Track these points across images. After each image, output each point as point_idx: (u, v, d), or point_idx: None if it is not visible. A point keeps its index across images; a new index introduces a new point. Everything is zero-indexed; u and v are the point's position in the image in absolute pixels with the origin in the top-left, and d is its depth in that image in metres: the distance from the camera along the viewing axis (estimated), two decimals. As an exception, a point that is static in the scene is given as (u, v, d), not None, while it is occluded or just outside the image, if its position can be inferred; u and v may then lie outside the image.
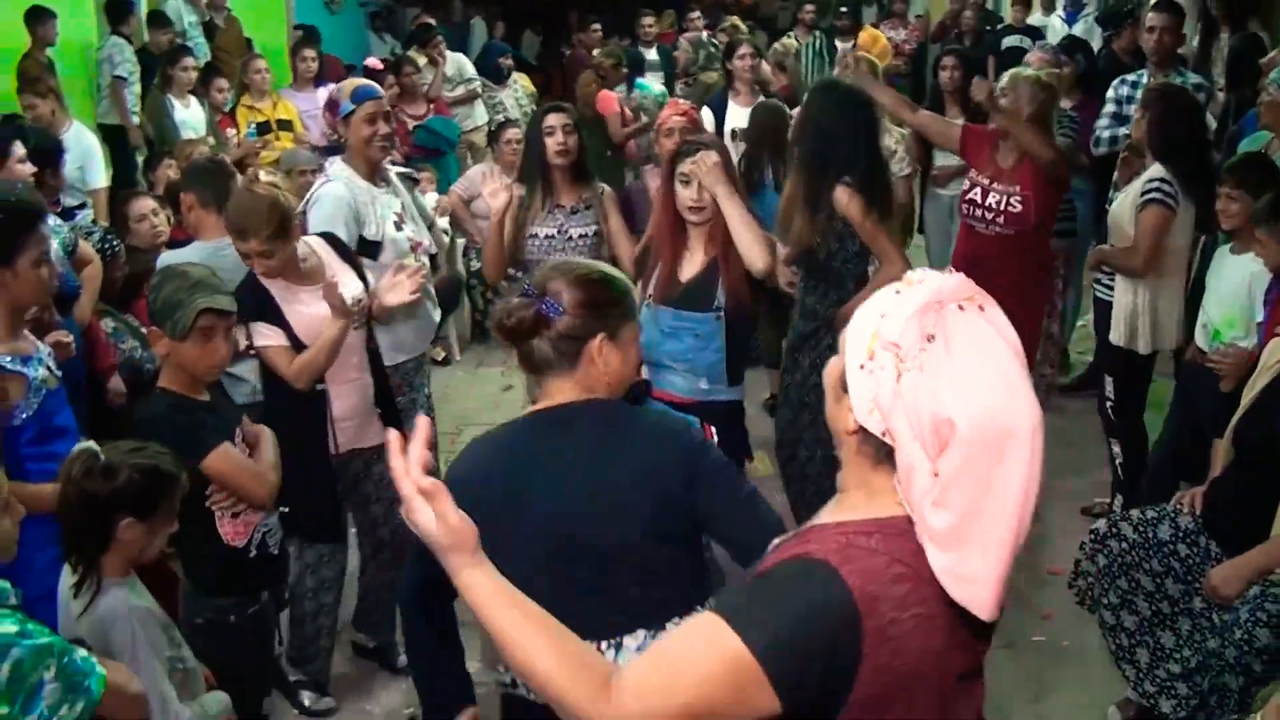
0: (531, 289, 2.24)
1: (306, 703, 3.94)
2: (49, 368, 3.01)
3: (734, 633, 1.47)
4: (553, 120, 4.41)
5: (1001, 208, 4.77)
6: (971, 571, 1.45)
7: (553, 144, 4.37)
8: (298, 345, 3.56)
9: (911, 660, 1.51)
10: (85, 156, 6.04)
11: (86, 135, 6.26)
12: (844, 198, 4.08)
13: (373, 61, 4.81)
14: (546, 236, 4.39)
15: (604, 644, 2.21)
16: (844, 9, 12.22)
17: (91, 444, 2.58)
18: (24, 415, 2.89)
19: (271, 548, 3.11)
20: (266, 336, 3.53)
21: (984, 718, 1.74)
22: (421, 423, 1.60)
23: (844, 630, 1.47)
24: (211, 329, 2.94)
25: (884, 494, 1.54)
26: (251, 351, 3.60)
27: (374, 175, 4.20)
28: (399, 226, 4.19)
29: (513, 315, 2.23)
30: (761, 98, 6.54)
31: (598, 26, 11.02)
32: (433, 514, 1.56)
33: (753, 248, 3.63)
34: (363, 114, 4.10)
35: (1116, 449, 4.88)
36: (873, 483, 1.57)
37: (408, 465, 1.56)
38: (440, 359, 7.17)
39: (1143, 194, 4.47)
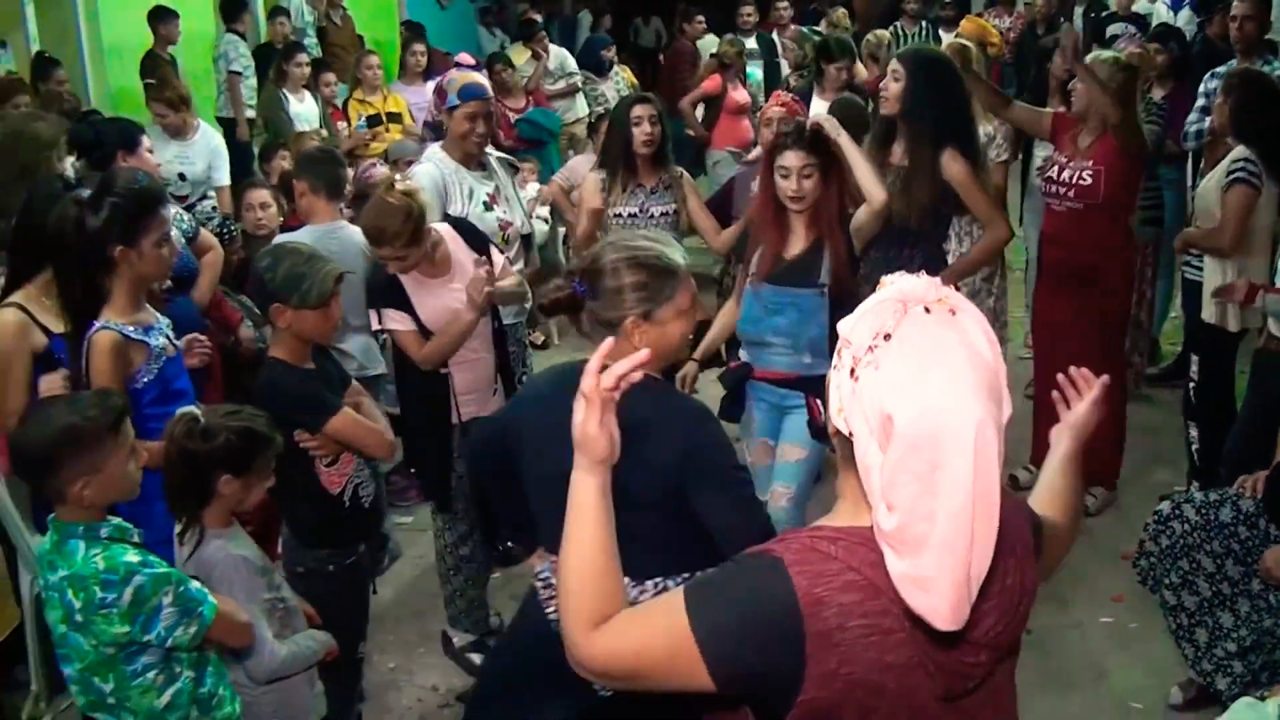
0: (574, 270, 2.50)
1: (476, 661, 4.18)
2: (168, 337, 3.30)
3: (685, 609, 1.57)
4: (640, 111, 4.68)
5: (1073, 181, 4.82)
6: (927, 577, 1.43)
7: (640, 134, 4.65)
8: (424, 331, 3.82)
9: (863, 671, 1.52)
10: (213, 156, 6.23)
11: (214, 137, 6.52)
12: (954, 163, 4.33)
13: (464, 57, 5.10)
14: (630, 215, 4.70)
15: None
16: (949, -1, 12.16)
17: (192, 408, 2.83)
18: (145, 379, 3.18)
19: (364, 499, 3.34)
20: (396, 322, 3.80)
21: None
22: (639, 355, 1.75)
23: (785, 627, 1.51)
24: (333, 295, 3.21)
25: (864, 501, 1.54)
26: (383, 335, 3.89)
27: (469, 161, 4.45)
28: (489, 207, 4.43)
29: (547, 296, 2.51)
30: (846, 92, 6.65)
31: (702, 18, 11.13)
32: (587, 413, 1.69)
33: (872, 181, 3.90)
34: (465, 111, 4.37)
35: (1194, 433, 4.92)
36: (855, 487, 1.57)
37: (601, 372, 1.70)
38: (540, 343, 7.42)
39: (1228, 174, 4.57)
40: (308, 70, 8.11)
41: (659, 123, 4.68)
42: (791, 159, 3.79)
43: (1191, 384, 4.90)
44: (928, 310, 1.50)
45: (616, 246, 2.50)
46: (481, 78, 4.66)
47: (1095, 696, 3.97)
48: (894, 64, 4.50)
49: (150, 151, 4.61)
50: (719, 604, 1.57)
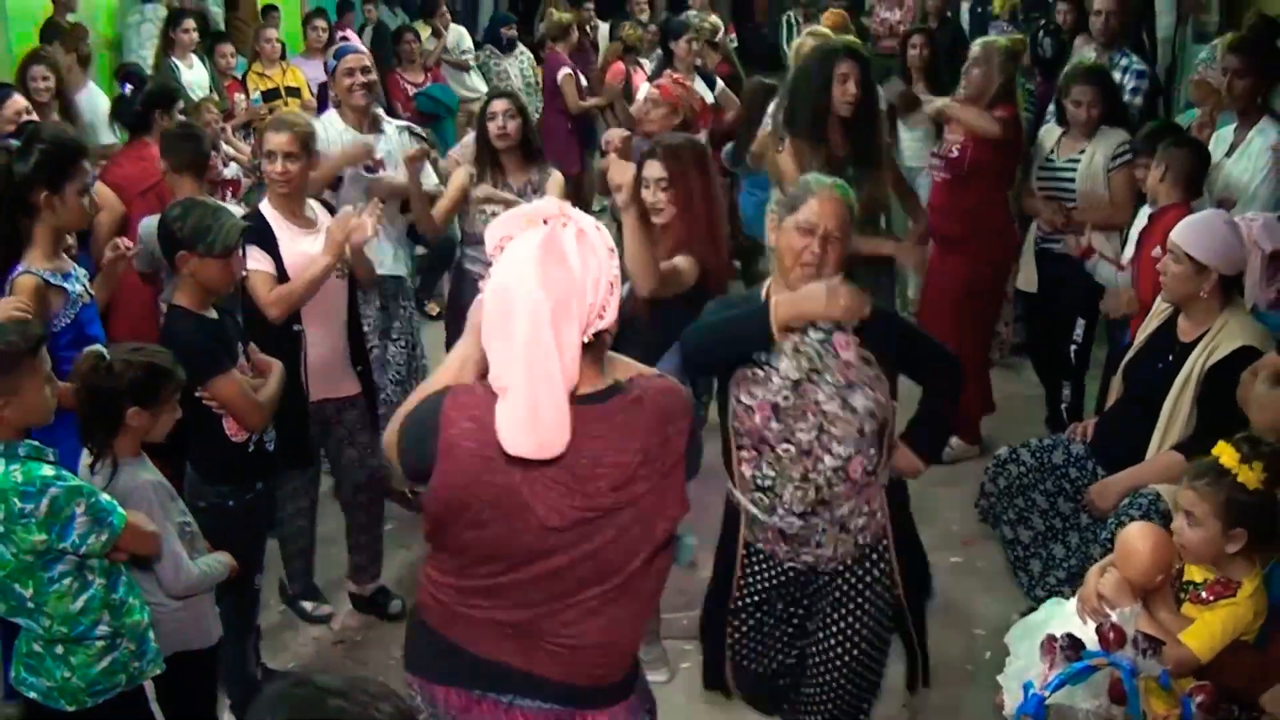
0: None
1: (309, 609, 4.41)
2: (84, 285, 3.52)
3: (401, 415, 2.17)
4: (496, 106, 4.77)
5: (942, 153, 5.26)
6: (505, 413, 1.92)
7: (493, 128, 4.72)
8: (282, 279, 3.90)
9: (467, 480, 2.03)
10: (94, 115, 6.45)
11: (99, 97, 6.69)
12: (888, 163, 4.82)
13: (350, 34, 5.49)
14: (493, 213, 4.60)
15: None
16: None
17: (98, 347, 3.02)
18: (63, 322, 3.39)
19: (267, 444, 3.55)
20: (258, 261, 3.86)
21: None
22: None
23: (427, 433, 2.06)
24: (236, 246, 3.40)
25: None
26: (242, 273, 3.86)
27: (362, 123, 4.67)
28: (370, 170, 4.62)
29: None
30: (698, 78, 6.85)
31: (590, 4, 11.18)
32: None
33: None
34: (343, 68, 4.68)
35: (1067, 392, 5.37)
36: None
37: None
38: (435, 314, 7.59)
39: (1115, 158, 5.01)
40: (195, 36, 8.05)
41: (516, 117, 4.74)
42: (650, 169, 3.77)
43: (1074, 346, 5.32)
44: (545, 222, 1.97)
45: None
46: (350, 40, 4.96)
47: (941, 624, 4.28)
48: (856, 67, 4.56)
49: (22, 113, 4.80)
50: (413, 410, 2.16)
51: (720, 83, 7.07)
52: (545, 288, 1.91)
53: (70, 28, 7.53)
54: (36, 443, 2.67)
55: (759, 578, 3.23)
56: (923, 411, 3.24)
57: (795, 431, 2.95)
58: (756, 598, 3.25)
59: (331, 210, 4.24)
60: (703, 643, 3.51)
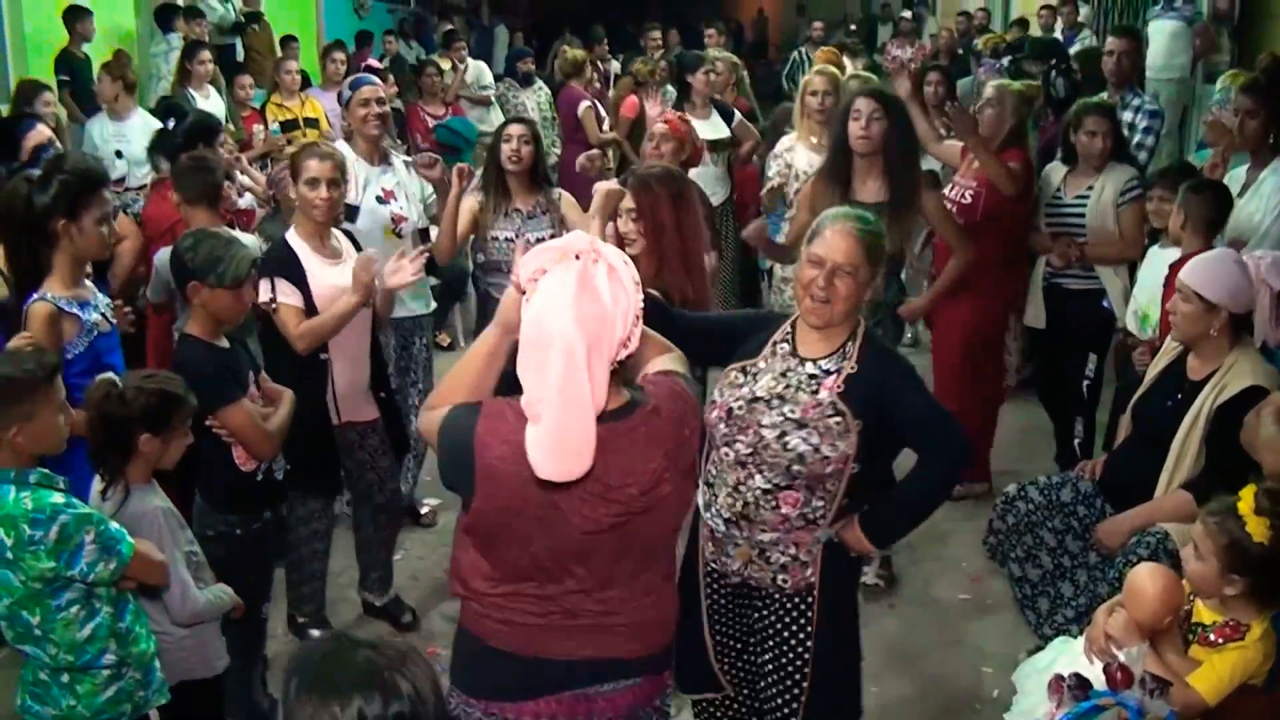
0: None
1: (315, 636, 4.37)
2: (103, 314, 3.55)
3: (435, 416, 2.30)
4: (511, 130, 4.86)
5: (956, 198, 5.23)
6: (535, 440, 2.04)
7: (506, 150, 4.80)
8: (310, 311, 3.94)
9: (507, 498, 2.18)
10: (149, 140, 6.56)
11: (152, 122, 6.78)
12: (930, 197, 4.69)
13: (372, 62, 5.53)
14: (506, 239, 4.81)
15: None
16: (853, 27, 12.70)
17: (110, 375, 3.05)
18: (77, 350, 3.42)
19: (276, 473, 3.57)
20: (286, 294, 3.90)
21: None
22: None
23: (464, 455, 2.20)
24: (247, 279, 3.42)
25: None
26: (273, 306, 3.90)
27: (373, 155, 4.74)
28: (383, 201, 4.69)
29: None
30: (714, 112, 6.89)
31: (605, 42, 11.35)
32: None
33: None
34: (358, 98, 4.72)
35: (1079, 428, 5.35)
36: None
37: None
38: (446, 345, 7.65)
39: (1124, 194, 5.03)
40: (210, 68, 8.22)
41: (529, 143, 4.81)
42: (625, 200, 3.71)
43: (1087, 381, 5.32)
44: (577, 257, 2.08)
45: None
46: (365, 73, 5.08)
47: (950, 661, 4.32)
48: (870, 104, 4.56)
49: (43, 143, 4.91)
50: (447, 426, 2.26)
51: (738, 114, 7.11)
52: (580, 324, 2.04)
53: (113, 55, 7.69)
54: (46, 470, 2.69)
55: (709, 569, 3.13)
56: (897, 492, 3.09)
57: (735, 441, 2.93)
58: (716, 584, 3.14)
59: (354, 240, 4.30)
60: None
